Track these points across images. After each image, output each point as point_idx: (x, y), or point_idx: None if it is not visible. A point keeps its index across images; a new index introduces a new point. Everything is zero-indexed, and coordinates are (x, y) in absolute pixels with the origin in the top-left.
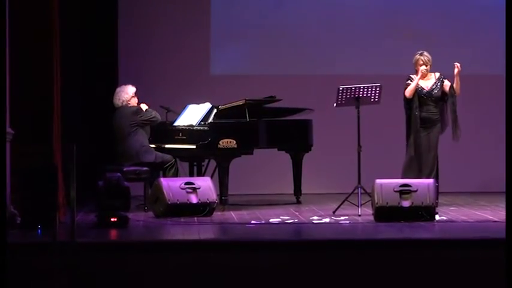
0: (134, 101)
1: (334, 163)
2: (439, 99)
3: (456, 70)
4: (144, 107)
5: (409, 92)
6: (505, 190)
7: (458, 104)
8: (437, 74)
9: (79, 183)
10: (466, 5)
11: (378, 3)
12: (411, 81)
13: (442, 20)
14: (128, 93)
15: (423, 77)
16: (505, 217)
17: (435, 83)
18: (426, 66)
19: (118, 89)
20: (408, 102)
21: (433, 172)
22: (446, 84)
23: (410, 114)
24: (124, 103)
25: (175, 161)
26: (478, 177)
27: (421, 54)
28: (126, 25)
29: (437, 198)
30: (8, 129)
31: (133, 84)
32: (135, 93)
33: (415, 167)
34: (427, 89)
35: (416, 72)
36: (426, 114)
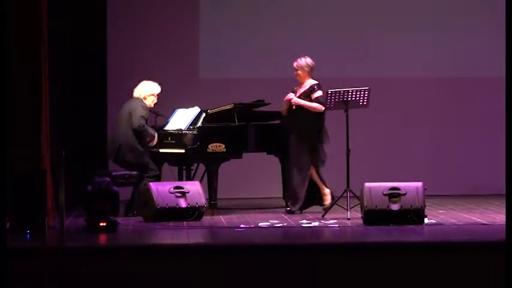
0: (151, 100)
1: (323, 166)
2: (302, 109)
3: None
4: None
5: (282, 111)
6: (493, 193)
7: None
8: (313, 82)
9: (68, 187)
10: (459, 5)
11: (367, 5)
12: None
13: (435, 22)
14: (149, 91)
15: (300, 84)
16: (494, 220)
17: (305, 91)
18: (296, 72)
19: (144, 82)
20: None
21: (302, 179)
22: (314, 95)
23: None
24: (141, 96)
25: (159, 174)
26: (466, 180)
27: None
28: (115, 30)
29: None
30: None
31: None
32: (158, 94)
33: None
34: (296, 96)
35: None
36: (295, 121)
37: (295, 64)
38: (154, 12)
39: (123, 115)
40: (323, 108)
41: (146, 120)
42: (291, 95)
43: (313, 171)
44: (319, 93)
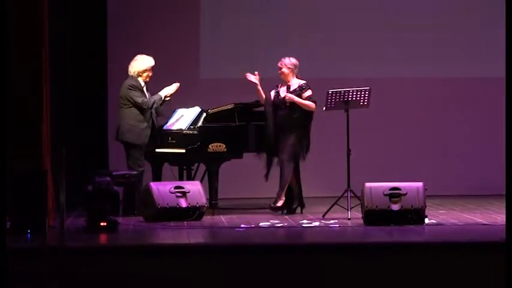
0: (145, 75)
1: (324, 166)
2: (292, 106)
3: (288, 98)
4: (168, 90)
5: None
6: (495, 193)
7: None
8: (301, 82)
9: (68, 187)
10: (462, 5)
11: (369, 5)
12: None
13: (438, 22)
14: (142, 66)
15: (285, 83)
16: (495, 220)
17: (294, 90)
18: (280, 70)
19: (137, 57)
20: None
21: (286, 179)
22: (305, 94)
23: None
24: (135, 74)
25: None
26: (467, 180)
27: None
28: (115, 29)
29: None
30: None
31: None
32: (152, 68)
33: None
34: (282, 95)
35: None
36: (279, 119)
37: (279, 63)
38: (155, 13)
39: (120, 97)
40: (315, 106)
41: (142, 92)
42: (251, 77)
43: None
44: (309, 92)
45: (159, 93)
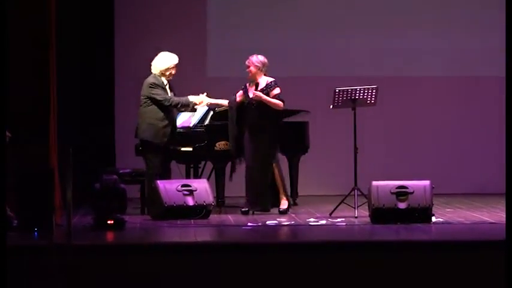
0: (168, 73)
1: (331, 165)
2: (261, 105)
3: (256, 96)
4: (199, 99)
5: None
6: (501, 192)
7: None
8: (269, 79)
9: (75, 185)
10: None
11: (374, 5)
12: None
13: (448, 20)
14: (165, 65)
15: (253, 82)
16: (502, 219)
17: (262, 89)
18: (247, 68)
19: (160, 54)
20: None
21: (263, 180)
22: (273, 92)
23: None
24: (157, 72)
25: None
26: (474, 179)
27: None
28: (122, 27)
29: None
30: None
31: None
32: (176, 65)
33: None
34: (251, 95)
35: None
36: (249, 120)
37: (246, 61)
38: (162, 10)
39: (141, 95)
40: (282, 105)
41: (164, 90)
42: (202, 104)
43: (275, 171)
44: (277, 90)
45: (189, 97)
